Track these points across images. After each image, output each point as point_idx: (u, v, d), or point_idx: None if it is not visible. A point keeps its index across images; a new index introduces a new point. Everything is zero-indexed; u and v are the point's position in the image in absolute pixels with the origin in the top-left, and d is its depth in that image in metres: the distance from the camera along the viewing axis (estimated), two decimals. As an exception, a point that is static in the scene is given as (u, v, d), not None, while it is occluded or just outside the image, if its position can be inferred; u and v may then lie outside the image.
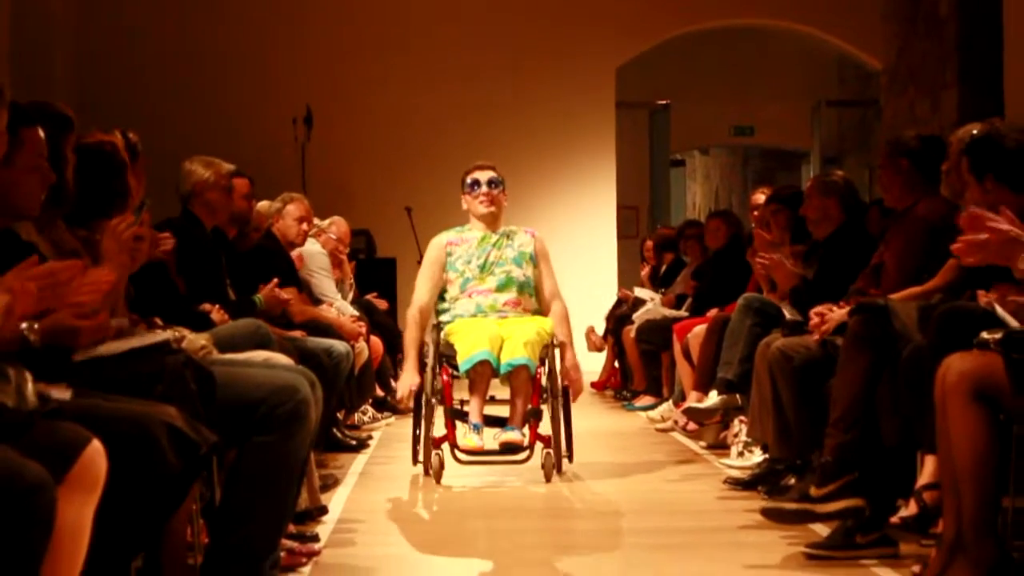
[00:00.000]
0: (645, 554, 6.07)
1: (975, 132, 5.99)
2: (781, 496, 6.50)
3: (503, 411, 8.05)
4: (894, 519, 5.96)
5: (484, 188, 8.32)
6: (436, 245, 8.40)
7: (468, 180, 8.41)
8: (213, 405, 4.28)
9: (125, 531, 3.73)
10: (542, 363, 7.94)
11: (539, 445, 7.84)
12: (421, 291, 8.36)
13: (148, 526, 3.87)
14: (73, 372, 3.92)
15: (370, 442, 9.59)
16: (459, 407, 7.96)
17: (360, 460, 8.94)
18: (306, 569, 5.57)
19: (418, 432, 8.13)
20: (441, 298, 8.34)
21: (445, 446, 7.87)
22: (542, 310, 8.33)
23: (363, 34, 15.45)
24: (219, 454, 4.34)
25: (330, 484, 7.56)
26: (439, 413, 7.99)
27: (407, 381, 8.17)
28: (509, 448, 7.68)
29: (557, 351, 8.04)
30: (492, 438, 7.75)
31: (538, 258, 8.39)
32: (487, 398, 8.00)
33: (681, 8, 15.89)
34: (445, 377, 8.01)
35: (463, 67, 15.43)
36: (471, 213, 8.43)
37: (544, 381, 8.02)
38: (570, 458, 8.17)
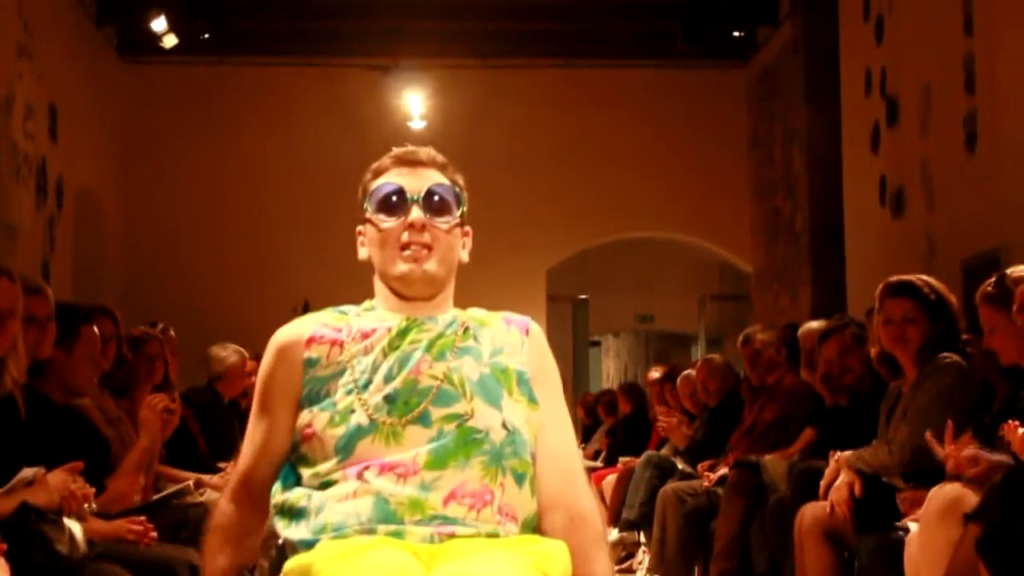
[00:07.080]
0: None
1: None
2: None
3: None
4: (764, 630, 5.99)
5: (411, 213, 2.52)
6: (284, 344, 2.74)
7: (373, 189, 2.58)
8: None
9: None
10: None
11: None
12: (243, 459, 2.58)
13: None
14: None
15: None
16: None
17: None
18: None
19: None
20: (291, 476, 2.47)
21: None
22: (540, 513, 2.43)
23: (344, 249, 15.61)
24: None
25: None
26: None
27: None
28: None
29: None
30: None
31: (536, 383, 2.54)
32: None
33: (598, 224, 16.04)
34: None
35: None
36: (379, 273, 2.69)
37: None
38: None
